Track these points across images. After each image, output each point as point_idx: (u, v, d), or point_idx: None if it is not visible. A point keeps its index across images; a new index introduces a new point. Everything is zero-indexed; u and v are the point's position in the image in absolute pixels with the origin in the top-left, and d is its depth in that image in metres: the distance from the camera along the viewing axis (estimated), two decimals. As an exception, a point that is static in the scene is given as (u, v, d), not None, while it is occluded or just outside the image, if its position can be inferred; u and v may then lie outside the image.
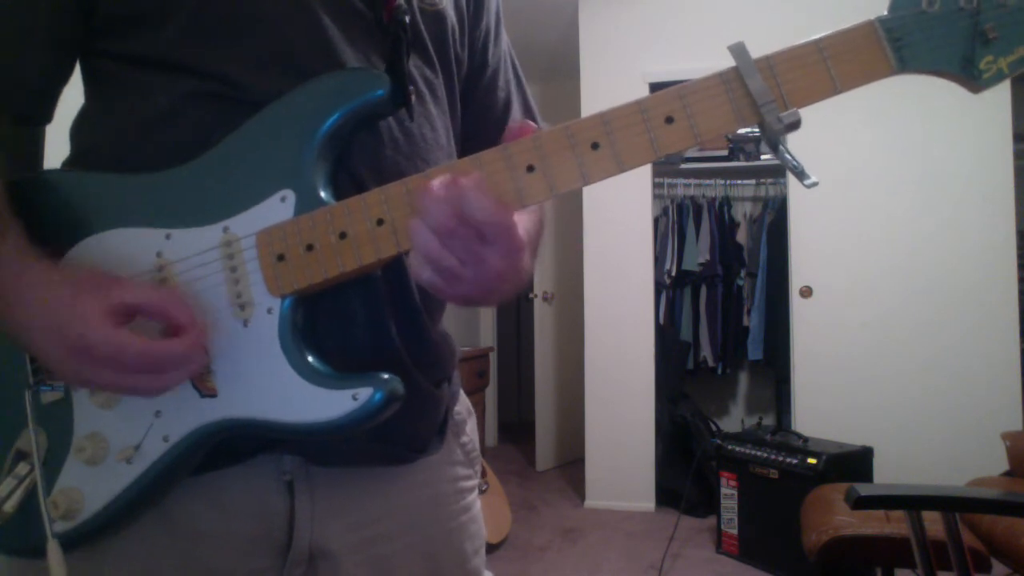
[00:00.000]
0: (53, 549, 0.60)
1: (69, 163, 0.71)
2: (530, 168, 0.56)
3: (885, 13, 0.52)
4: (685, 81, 0.54)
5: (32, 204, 0.64)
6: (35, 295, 0.57)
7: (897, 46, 0.51)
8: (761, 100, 0.51)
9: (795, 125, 0.52)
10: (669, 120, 0.54)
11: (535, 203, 0.57)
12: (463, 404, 0.85)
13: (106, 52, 0.68)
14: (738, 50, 0.51)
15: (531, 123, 0.65)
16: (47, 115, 0.70)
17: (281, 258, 0.61)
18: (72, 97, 0.71)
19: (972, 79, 0.50)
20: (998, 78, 0.50)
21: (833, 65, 0.52)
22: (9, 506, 0.63)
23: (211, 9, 0.65)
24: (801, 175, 0.52)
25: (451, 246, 0.55)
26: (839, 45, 0.52)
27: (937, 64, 0.51)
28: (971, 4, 0.49)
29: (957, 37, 0.50)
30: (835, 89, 0.52)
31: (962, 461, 3.08)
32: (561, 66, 4.71)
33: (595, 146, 0.55)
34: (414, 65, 0.73)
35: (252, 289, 0.61)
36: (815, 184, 0.51)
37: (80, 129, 0.71)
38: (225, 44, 0.65)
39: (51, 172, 0.68)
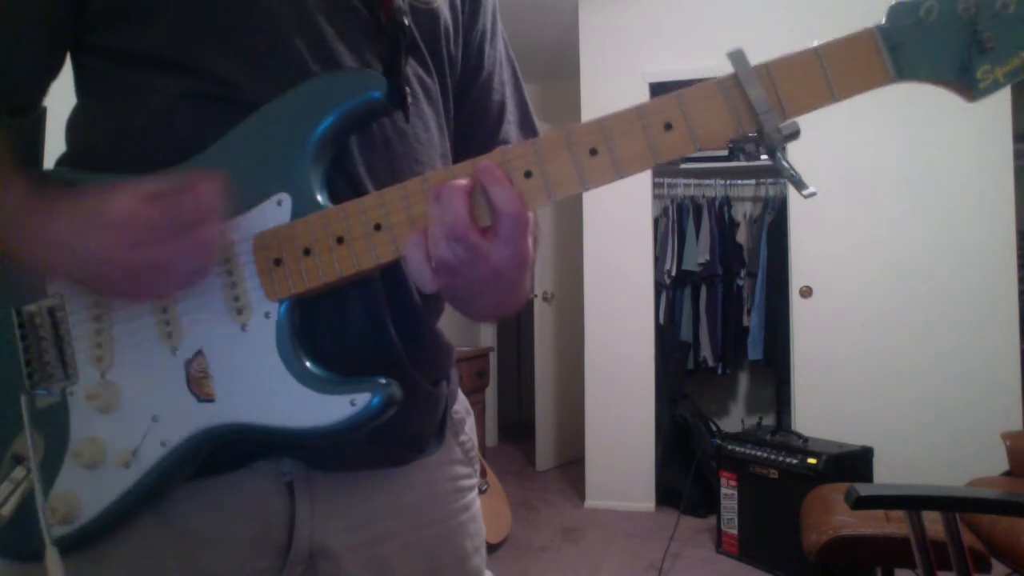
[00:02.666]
0: (52, 555, 0.60)
1: (64, 161, 0.70)
2: (528, 174, 0.56)
3: (883, 21, 0.52)
4: (685, 81, 0.54)
5: None
6: (62, 216, 0.58)
7: (895, 55, 0.51)
8: (760, 108, 0.51)
9: (794, 136, 0.51)
10: (668, 127, 0.54)
11: (532, 208, 0.57)
12: (461, 403, 0.85)
13: (99, 48, 0.67)
14: (737, 57, 0.51)
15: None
16: (35, 106, 0.69)
17: (278, 262, 0.60)
18: (71, 94, 0.71)
19: (969, 88, 0.50)
20: (994, 87, 0.50)
21: (832, 73, 0.52)
22: (6, 510, 0.63)
23: (206, 5, 0.64)
24: (799, 184, 0.51)
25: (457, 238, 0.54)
26: (838, 53, 0.52)
27: (934, 73, 0.51)
28: (968, 13, 0.49)
29: (954, 46, 0.50)
30: (833, 97, 0.52)
31: (962, 461, 3.08)
32: (561, 66, 4.71)
33: (593, 152, 0.55)
34: (408, 65, 0.72)
35: (249, 293, 0.61)
36: (813, 194, 0.51)
37: (75, 128, 0.70)
38: (220, 42, 0.64)
39: (47, 173, 0.68)
